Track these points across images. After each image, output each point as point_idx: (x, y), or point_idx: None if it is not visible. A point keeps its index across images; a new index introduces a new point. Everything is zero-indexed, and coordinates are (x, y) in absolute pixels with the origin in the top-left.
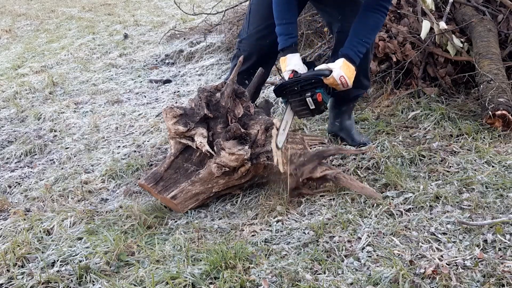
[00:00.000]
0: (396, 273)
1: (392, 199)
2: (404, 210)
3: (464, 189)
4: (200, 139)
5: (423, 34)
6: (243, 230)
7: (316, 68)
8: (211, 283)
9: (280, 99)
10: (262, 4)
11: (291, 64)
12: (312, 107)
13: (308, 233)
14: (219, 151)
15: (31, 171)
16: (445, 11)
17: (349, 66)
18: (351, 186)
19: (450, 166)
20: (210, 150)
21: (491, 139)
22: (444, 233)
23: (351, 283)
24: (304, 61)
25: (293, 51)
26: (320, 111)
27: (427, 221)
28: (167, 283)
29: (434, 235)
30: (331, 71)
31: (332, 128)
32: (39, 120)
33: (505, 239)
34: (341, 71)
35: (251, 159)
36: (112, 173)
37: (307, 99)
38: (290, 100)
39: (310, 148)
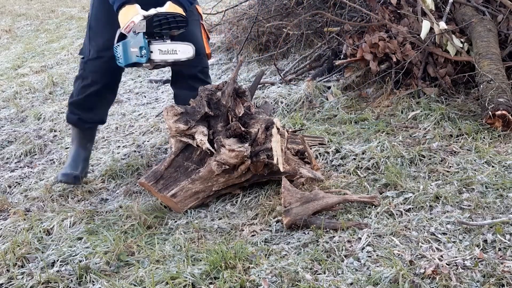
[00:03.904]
0: (396, 273)
1: (392, 199)
2: (404, 210)
3: (464, 189)
4: (201, 137)
5: (423, 34)
6: (243, 230)
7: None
8: (211, 283)
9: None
10: (101, 18)
11: (139, 11)
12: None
13: (308, 233)
14: (219, 148)
15: (31, 171)
16: (445, 11)
17: (176, 8)
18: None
19: (450, 166)
20: (210, 148)
21: (491, 139)
22: (444, 233)
23: (351, 283)
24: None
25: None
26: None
27: (427, 221)
28: (167, 283)
29: (434, 235)
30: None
31: None
32: (39, 120)
33: (505, 239)
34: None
35: (251, 157)
36: (112, 173)
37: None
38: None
39: (310, 148)
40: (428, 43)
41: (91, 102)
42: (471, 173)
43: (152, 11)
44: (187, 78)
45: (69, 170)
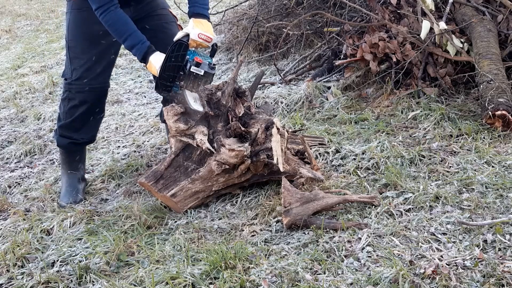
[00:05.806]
0: (396, 273)
1: (392, 199)
2: (404, 210)
3: (464, 189)
4: (201, 137)
5: (423, 34)
6: (243, 230)
7: (174, 39)
8: (211, 283)
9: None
10: (79, 38)
11: (160, 60)
12: (202, 72)
13: (308, 233)
14: (219, 147)
15: (31, 171)
16: (445, 11)
17: (201, 22)
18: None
19: (450, 166)
20: (210, 147)
21: (491, 139)
22: (444, 233)
23: (351, 283)
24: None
25: (153, 51)
26: (212, 70)
27: (427, 221)
28: (167, 283)
29: (434, 235)
30: (188, 35)
31: None
32: (39, 120)
33: (505, 239)
34: (196, 30)
35: (251, 156)
36: (112, 173)
37: (192, 69)
38: (182, 83)
39: (310, 148)
40: (428, 43)
41: (80, 122)
42: (471, 173)
43: (161, 60)
44: None
45: (68, 199)
